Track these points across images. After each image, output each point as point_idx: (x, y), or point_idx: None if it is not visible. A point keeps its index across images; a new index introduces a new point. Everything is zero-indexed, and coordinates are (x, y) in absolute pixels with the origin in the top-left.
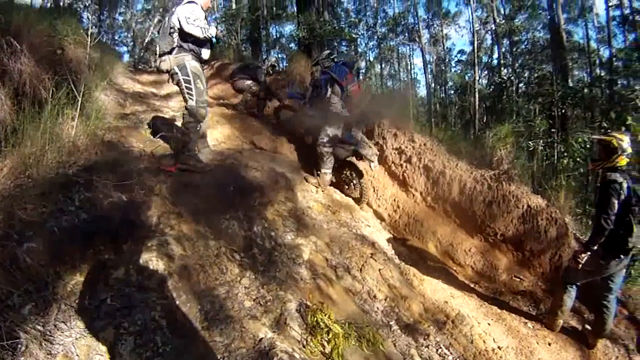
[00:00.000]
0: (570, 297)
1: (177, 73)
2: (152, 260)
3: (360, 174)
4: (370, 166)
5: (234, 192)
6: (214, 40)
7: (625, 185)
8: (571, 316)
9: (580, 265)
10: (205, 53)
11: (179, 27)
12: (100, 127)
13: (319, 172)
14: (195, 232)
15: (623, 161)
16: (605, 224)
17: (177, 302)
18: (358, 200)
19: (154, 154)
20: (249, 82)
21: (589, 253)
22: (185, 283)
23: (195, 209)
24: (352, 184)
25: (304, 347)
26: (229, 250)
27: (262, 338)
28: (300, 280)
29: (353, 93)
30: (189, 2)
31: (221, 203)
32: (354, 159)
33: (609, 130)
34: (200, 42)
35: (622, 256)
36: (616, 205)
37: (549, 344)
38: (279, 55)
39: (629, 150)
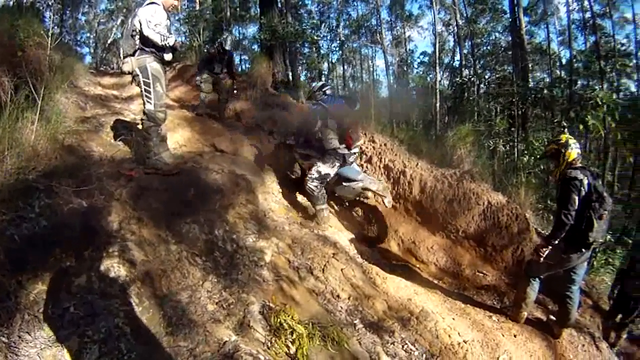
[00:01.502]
0: (533, 290)
1: (138, 75)
2: (114, 267)
3: (374, 211)
4: (383, 202)
5: (194, 196)
6: (171, 49)
7: (585, 181)
8: (535, 307)
9: (542, 259)
10: (168, 55)
11: (139, 29)
12: (60, 131)
13: (314, 211)
14: (157, 237)
15: (572, 155)
16: (566, 220)
17: (140, 308)
18: (375, 241)
19: (114, 158)
20: (204, 75)
21: (550, 247)
22: (148, 289)
23: (156, 214)
24: (365, 223)
25: (268, 348)
26: (191, 254)
27: (226, 341)
28: (263, 282)
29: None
30: (150, 3)
31: (182, 207)
32: (363, 197)
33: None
34: (160, 47)
35: (583, 250)
36: (577, 201)
37: (515, 336)
38: (242, 57)
39: (572, 143)
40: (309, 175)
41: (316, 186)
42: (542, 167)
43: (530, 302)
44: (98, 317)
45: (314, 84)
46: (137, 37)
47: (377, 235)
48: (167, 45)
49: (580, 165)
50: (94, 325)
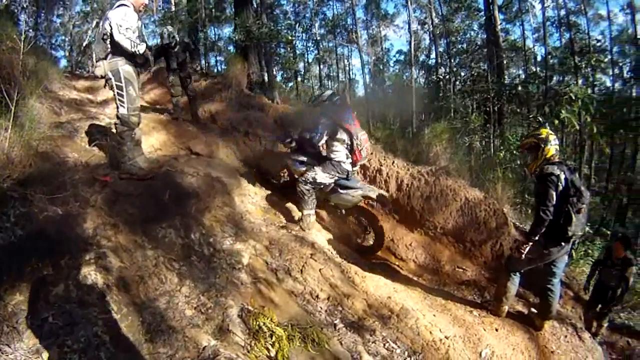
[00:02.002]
0: (514, 284)
1: (110, 78)
2: (91, 274)
3: (372, 218)
4: (384, 209)
5: (170, 200)
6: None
7: (562, 176)
8: (516, 301)
9: (523, 256)
10: (140, 57)
11: (110, 32)
12: (34, 138)
13: (301, 215)
14: (133, 243)
15: (550, 152)
16: (545, 215)
17: (119, 316)
18: (371, 250)
19: (89, 163)
20: (171, 78)
21: (530, 243)
22: (125, 295)
23: (132, 219)
24: (361, 232)
25: (248, 352)
26: (167, 259)
27: (205, 346)
28: (241, 285)
29: (364, 143)
30: (120, 5)
31: (157, 211)
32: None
33: (533, 129)
34: (131, 53)
35: (563, 243)
36: (554, 197)
37: (496, 330)
38: (218, 58)
39: (552, 138)
40: (302, 179)
41: (308, 190)
42: (518, 162)
43: (511, 296)
44: (77, 326)
45: (323, 93)
46: (109, 40)
47: (372, 245)
48: (137, 52)
49: (557, 160)
50: (73, 335)
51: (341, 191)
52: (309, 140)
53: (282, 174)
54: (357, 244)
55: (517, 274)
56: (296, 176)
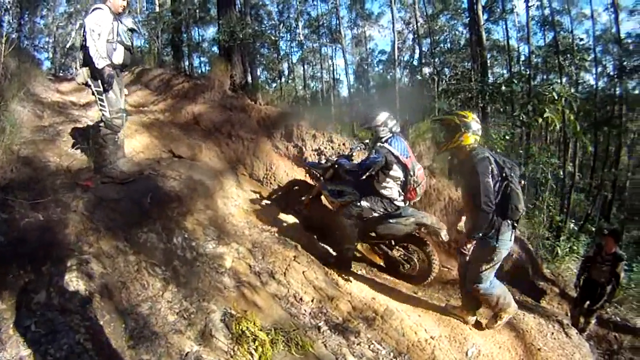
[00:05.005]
0: (501, 289)
1: (90, 85)
2: (73, 281)
3: (424, 245)
4: (441, 236)
5: (151, 204)
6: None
7: (492, 159)
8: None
9: (467, 257)
10: (117, 58)
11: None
12: (16, 142)
13: (341, 250)
14: (115, 248)
15: (468, 140)
16: (488, 208)
17: (101, 323)
18: (419, 279)
19: (71, 168)
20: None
21: (474, 242)
22: (108, 302)
23: (113, 224)
24: (410, 261)
25: (231, 357)
26: (150, 265)
27: (188, 352)
28: (224, 290)
29: (421, 179)
30: (94, 9)
31: (139, 216)
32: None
33: (459, 110)
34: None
35: (512, 222)
36: (491, 184)
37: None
38: (201, 59)
39: (475, 127)
40: (346, 212)
41: (351, 225)
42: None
43: (507, 302)
44: (59, 334)
45: (377, 116)
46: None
47: (424, 273)
48: (97, 65)
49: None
50: (55, 343)
51: (391, 220)
52: (348, 171)
53: (309, 204)
54: (403, 272)
55: (493, 280)
56: (332, 207)
